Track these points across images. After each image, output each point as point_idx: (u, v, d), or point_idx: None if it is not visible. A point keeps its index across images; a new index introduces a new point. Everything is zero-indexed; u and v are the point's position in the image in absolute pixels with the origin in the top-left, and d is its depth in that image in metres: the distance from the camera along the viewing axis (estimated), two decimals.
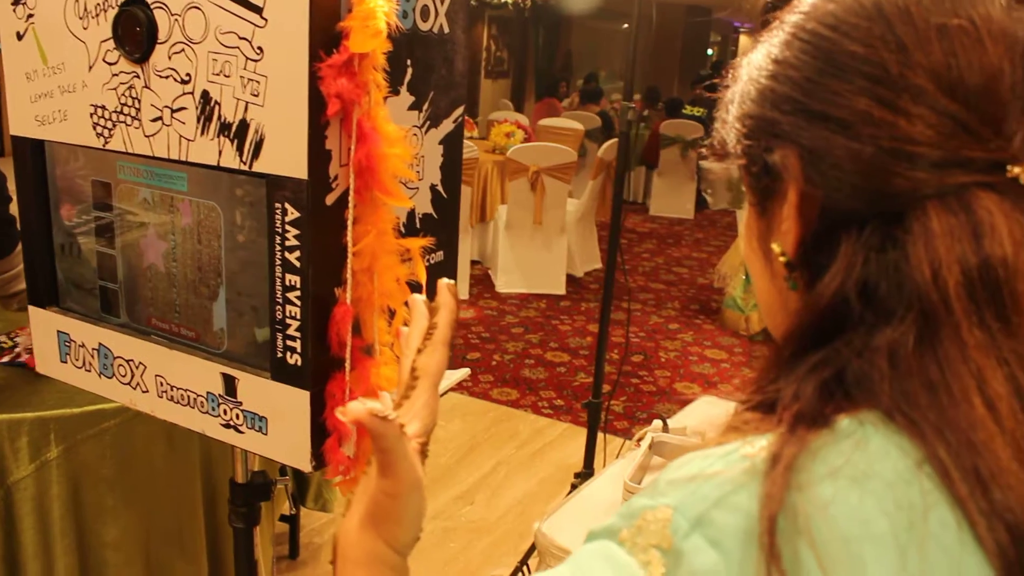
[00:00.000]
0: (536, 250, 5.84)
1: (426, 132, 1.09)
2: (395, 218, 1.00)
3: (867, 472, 0.45)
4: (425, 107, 1.08)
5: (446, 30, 1.08)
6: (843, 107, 0.49)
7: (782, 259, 0.55)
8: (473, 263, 6.24)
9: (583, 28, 13.33)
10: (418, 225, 1.12)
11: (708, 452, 0.49)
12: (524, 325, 5.29)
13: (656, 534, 0.46)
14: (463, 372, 1.16)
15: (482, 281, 6.09)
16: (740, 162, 0.57)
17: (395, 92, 1.01)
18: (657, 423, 1.73)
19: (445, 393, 1.18)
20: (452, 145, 1.15)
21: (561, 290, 5.93)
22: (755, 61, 0.56)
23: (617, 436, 3.55)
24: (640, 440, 1.74)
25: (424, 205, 1.13)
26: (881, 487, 0.44)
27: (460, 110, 1.15)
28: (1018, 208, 0.46)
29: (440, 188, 1.15)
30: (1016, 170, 0.46)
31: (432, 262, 1.17)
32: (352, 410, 0.55)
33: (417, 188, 1.11)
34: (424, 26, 1.04)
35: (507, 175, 5.64)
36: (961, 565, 0.42)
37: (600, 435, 2.94)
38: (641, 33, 2.31)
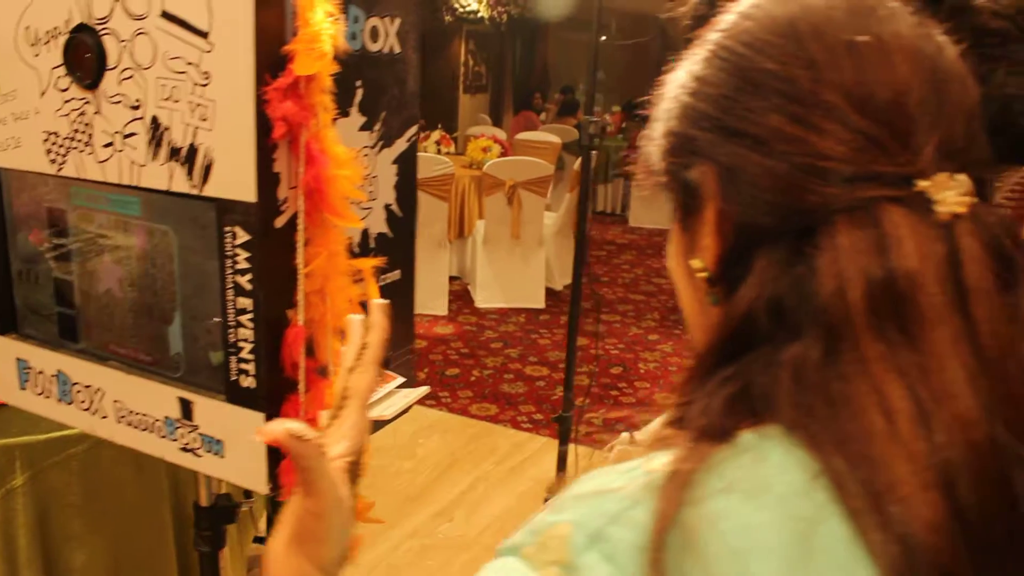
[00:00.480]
0: (514, 264, 5.85)
1: (379, 152, 1.11)
2: (346, 239, 1.01)
3: (762, 486, 0.45)
4: (377, 127, 1.09)
5: (396, 50, 1.09)
6: (757, 124, 0.50)
7: (702, 275, 0.56)
8: (452, 279, 6.25)
9: (560, 40, 13.40)
10: (372, 245, 1.13)
11: (613, 468, 0.49)
12: (503, 340, 5.30)
13: (556, 550, 0.46)
14: (421, 391, 1.17)
15: (461, 296, 6.09)
16: (663, 179, 0.58)
17: (344, 113, 1.02)
18: (625, 435, 1.74)
19: (404, 412, 1.18)
20: (406, 164, 1.17)
21: (540, 303, 5.94)
22: (678, 79, 0.57)
23: (598, 449, 3.55)
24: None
25: (379, 225, 1.14)
26: (774, 501, 0.45)
27: (414, 129, 1.17)
28: (925, 222, 0.47)
29: (395, 207, 1.16)
30: (923, 184, 0.47)
31: (388, 281, 1.18)
32: (270, 430, 0.56)
33: (371, 208, 1.12)
34: (373, 47, 1.05)
35: (484, 190, 5.66)
36: None
37: (577, 448, 2.95)
38: (602, 45, 2.33)
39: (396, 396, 1.14)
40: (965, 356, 0.44)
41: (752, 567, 0.43)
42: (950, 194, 0.46)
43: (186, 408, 1.08)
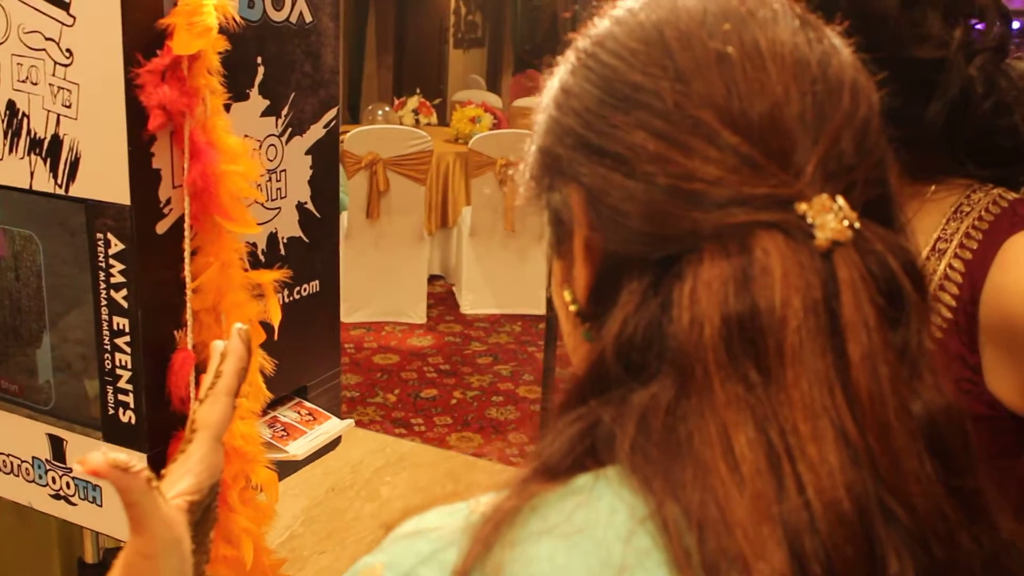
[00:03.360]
0: (508, 262, 5.87)
1: (287, 141, 1.14)
2: (243, 246, 1.04)
3: (582, 529, 0.49)
4: (284, 112, 1.12)
5: (307, 19, 1.12)
6: (621, 142, 0.53)
7: (572, 308, 0.59)
8: (433, 278, 6.29)
9: None
10: (283, 252, 1.16)
11: (442, 507, 0.55)
12: (493, 353, 5.33)
13: None
14: (342, 425, 1.20)
15: (444, 300, 6.13)
16: (534, 201, 0.61)
17: (243, 97, 1.06)
18: None
19: (323, 453, 1.22)
20: (324, 154, 1.20)
21: (540, 309, 5.96)
22: (550, 89, 0.60)
23: None
24: None
25: (290, 228, 1.17)
26: (591, 545, 0.49)
27: (332, 112, 1.20)
28: (801, 249, 0.49)
29: (310, 206, 1.19)
30: (802, 207, 0.49)
31: (304, 294, 1.21)
32: (90, 461, 0.60)
33: (279, 209, 1.15)
34: (278, 16, 1.08)
35: (470, 171, 5.69)
36: None
37: None
38: None
39: (309, 434, 1.18)
40: (834, 400, 0.47)
41: None
42: (829, 218, 0.49)
43: (57, 447, 1.11)
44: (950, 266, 0.89)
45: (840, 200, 0.50)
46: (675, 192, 0.51)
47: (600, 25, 0.58)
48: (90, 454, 0.60)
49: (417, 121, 6.55)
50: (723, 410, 0.48)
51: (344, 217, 5.20)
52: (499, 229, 5.75)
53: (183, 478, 0.70)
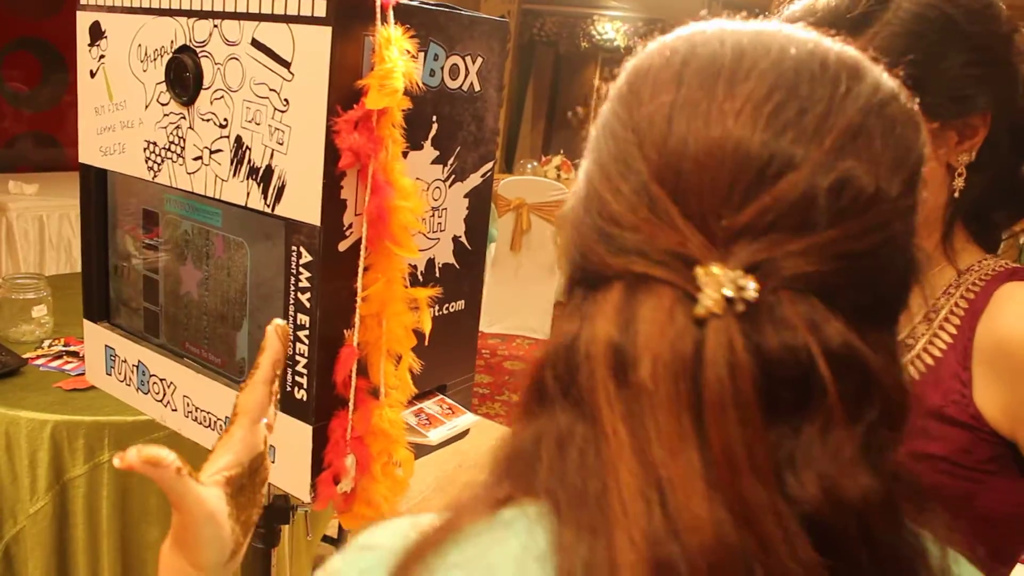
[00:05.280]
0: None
1: (450, 185, 1.13)
2: (406, 267, 1.03)
3: (492, 565, 0.45)
4: (450, 161, 1.11)
5: (477, 88, 1.11)
6: (587, 173, 0.49)
7: None
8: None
9: None
10: (438, 275, 1.15)
11: (395, 523, 0.51)
12: None
13: None
14: (475, 419, 1.19)
15: None
16: None
17: (418, 147, 1.05)
18: None
19: (453, 440, 1.20)
20: (479, 199, 1.18)
21: None
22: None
23: None
24: None
25: (445, 255, 1.16)
26: None
27: (489, 165, 1.19)
28: (682, 312, 0.42)
29: (463, 239, 1.18)
30: (699, 271, 0.42)
31: (452, 311, 1.20)
32: (126, 456, 0.60)
33: (438, 239, 1.14)
34: (453, 84, 1.08)
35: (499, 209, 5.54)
36: None
37: None
38: None
39: (446, 424, 1.16)
40: (694, 462, 0.40)
41: None
42: (711, 288, 0.41)
43: None
44: (956, 304, 0.84)
45: (736, 272, 0.41)
46: (600, 231, 0.46)
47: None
48: (127, 450, 0.61)
49: (559, 176, 6.56)
50: (612, 437, 0.42)
51: (492, 248, 5.23)
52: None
53: (223, 456, 0.69)
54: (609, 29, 10.22)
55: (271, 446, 1.11)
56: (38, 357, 2.05)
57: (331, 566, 0.52)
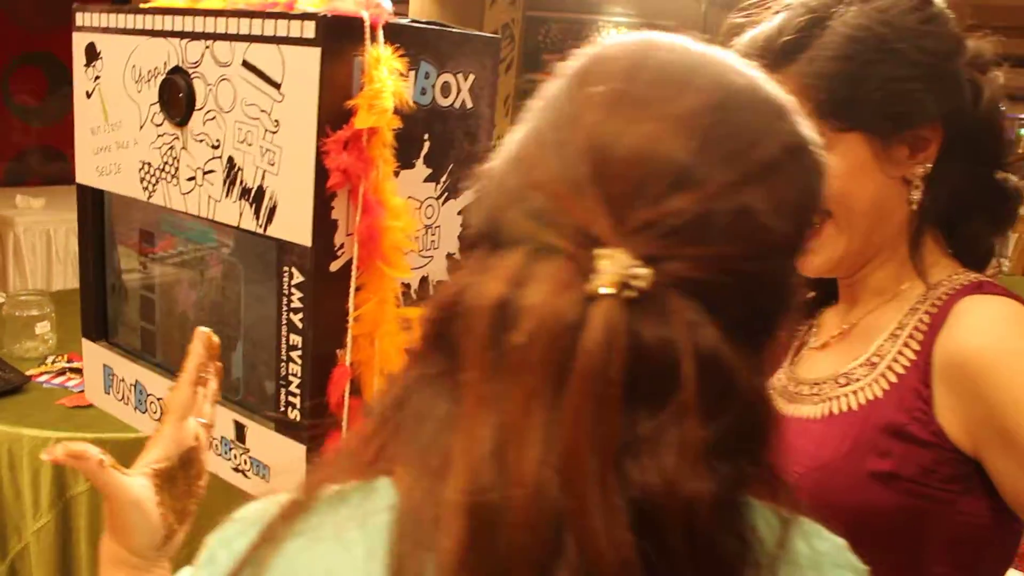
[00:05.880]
0: None
1: (443, 203, 1.13)
2: (398, 287, 1.03)
3: (342, 528, 0.47)
4: (443, 179, 1.11)
5: (469, 105, 1.11)
6: (523, 138, 0.50)
7: None
8: None
9: None
10: (431, 293, 1.15)
11: (270, 497, 0.52)
12: None
13: (198, 562, 0.53)
14: None
15: None
16: None
17: (409, 166, 1.05)
18: None
19: None
20: None
21: None
22: None
23: None
24: None
25: (439, 273, 1.16)
26: (339, 547, 0.47)
27: None
28: (576, 286, 0.42)
29: (457, 256, 1.18)
30: (599, 252, 0.43)
31: None
32: (54, 451, 0.68)
33: (432, 257, 1.14)
34: (444, 102, 1.08)
35: None
36: None
37: None
38: None
39: None
40: (540, 423, 0.42)
41: None
42: (608, 271, 0.42)
43: (240, 431, 1.13)
44: (920, 319, 0.83)
45: (635, 260, 0.43)
46: (519, 193, 0.47)
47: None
48: (54, 446, 0.69)
49: None
50: (471, 399, 0.44)
51: None
52: None
53: (152, 451, 0.75)
54: (615, 35, 10.21)
55: (264, 465, 1.11)
56: (41, 374, 2.06)
57: (205, 543, 0.54)
